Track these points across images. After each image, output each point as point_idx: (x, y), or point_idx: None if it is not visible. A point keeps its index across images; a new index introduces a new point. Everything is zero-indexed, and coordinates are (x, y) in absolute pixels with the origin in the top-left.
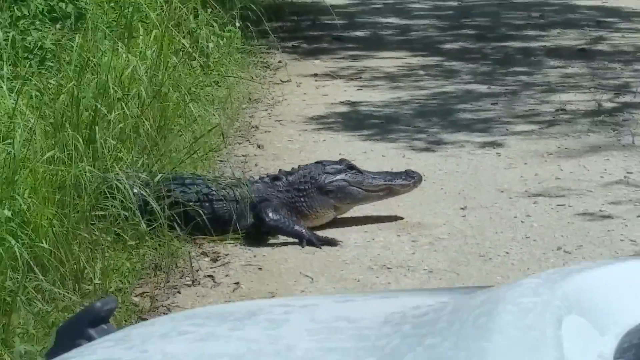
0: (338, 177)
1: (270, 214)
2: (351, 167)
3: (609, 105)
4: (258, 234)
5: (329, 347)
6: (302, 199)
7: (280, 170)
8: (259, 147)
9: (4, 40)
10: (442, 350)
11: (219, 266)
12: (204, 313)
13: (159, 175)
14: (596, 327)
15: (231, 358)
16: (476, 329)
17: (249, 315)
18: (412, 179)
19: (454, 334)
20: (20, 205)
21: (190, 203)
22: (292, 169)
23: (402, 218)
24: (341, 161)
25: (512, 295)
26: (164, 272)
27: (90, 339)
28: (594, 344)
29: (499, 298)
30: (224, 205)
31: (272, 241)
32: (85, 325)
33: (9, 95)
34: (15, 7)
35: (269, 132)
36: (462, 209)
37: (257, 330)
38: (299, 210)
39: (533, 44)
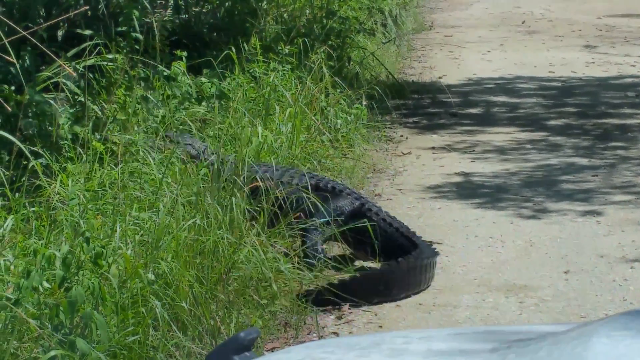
0: None
1: None
2: None
3: None
4: None
5: None
6: None
7: None
8: None
9: (155, 116)
10: None
11: (343, 324)
12: (334, 342)
13: None
14: None
15: None
16: (572, 357)
17: (374, 344)
18: None
19: None
20: (164, 268)
21: None
22: None
23: (510, 280)
24: None
25: (604, 329)
26: (293, 329)
27: None
28: None
29: (593, 331)
30: None
31: (393, 300)
32: (231, 352)
33: (157, 167)
34: (166, 87)
35: (391, 199)
36: (565, 272)
37: (380, 357)
38: None
39: (629, 121)
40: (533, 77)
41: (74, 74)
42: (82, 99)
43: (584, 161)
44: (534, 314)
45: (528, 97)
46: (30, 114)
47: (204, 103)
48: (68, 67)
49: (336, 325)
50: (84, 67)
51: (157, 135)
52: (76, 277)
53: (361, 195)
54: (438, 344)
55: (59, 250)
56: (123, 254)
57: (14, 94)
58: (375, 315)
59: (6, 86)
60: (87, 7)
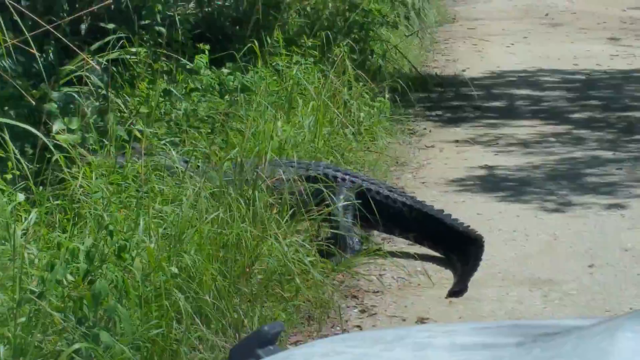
0: None
1: None
2: None
3: None
4: None
5: None
6: None
7: None
8: None
9: (177, 109)
10: None
11: (367, 317)
12: (358, 336)
13: None
14: None
15: None
16: (598, 351)
17: (398, 338)
18: None
19: (578, 356)
20: (187, 262)
21: None
22: None
23: (534, 274)
24: None
25: (630, 323)
26: (316, 322)
27: (258, 358)
28: None
29: (619, 325)
30: None
31: (416, 294)
32: (255, 346)
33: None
34: (189, 80)
35: (414, 192)
36: (589, 266)
37: (404, 351)
38: None
39: None
40: (557, 70)
41: (98, 68)
42: (106, 93)
43: (608, 154)
44: (558, 308)
45: (552, 90)
46: (55, 108)
47: (226, 96)
48: (91, 60)
49: (359, 318)
50: (107, 60)
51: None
52: (100, 271)
53: (355, 174)
54: (462, 338)
55: (83, 243)
56: (146, 247)
57: (30, 89)
58: (399, 308)
59: (25, 80)
60: (111, 1)
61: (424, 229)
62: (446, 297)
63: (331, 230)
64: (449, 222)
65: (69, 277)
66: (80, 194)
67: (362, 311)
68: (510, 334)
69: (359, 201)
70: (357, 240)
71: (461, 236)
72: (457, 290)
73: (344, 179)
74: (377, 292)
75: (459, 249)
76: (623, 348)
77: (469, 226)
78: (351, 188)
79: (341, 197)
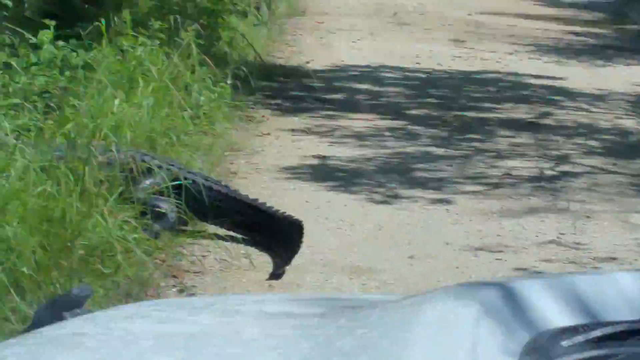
0: None
1: None
2: None
3: (550, 173)
4: None
5: (271, 333)
6: None
7: None
8: None
9: (16, 83)
10: (370, 338)
11: (185, 297)
12: (166, 302)
13: None
14: (508, 329)
15: (184, 337)
16: (402, 322)
17: (206, 305)
18: None
19: (383, 326)
20: (7, 233)
21: None
22: None
23: (355, 262)
24: None
25: (436, 298)
26: (134, 299)
27: (63, 320)
28: (504, 342)
29: (426, 299)
30: None
31: (237, 276)
32: (61, 308)
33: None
34: (31, 54)
35: (245, 178)
36: (409, 257)
37: (210, 317)
38: None
39: (488, 115)
40: (399, 67)
41: None
42: None
43: (440, 151)
44: None
45: (392, 86)
46: None
47: (67, 72)
48: None
49: (178, 297)
50: None
51: None
52: None
53: (172, 162)
54: (271, 307)
55: None
56: None
57: None
58: (218, 290)
59: None
60: None
61: (238, 215)
62: (266, 280)
63: (143, 206)
64: (264, 208)
65: None
66: None
67: (181, 290)
68: (317, 305)
69: (173, 184)
70: (168, 213)
71: (278, 221)
72: (278, 274)
73: (160, 167)
74: (198, 272)
75: (275, 235)
76: (427, 319)
77: (285, 212)
78: (168, 175)
79: (150, 180)
